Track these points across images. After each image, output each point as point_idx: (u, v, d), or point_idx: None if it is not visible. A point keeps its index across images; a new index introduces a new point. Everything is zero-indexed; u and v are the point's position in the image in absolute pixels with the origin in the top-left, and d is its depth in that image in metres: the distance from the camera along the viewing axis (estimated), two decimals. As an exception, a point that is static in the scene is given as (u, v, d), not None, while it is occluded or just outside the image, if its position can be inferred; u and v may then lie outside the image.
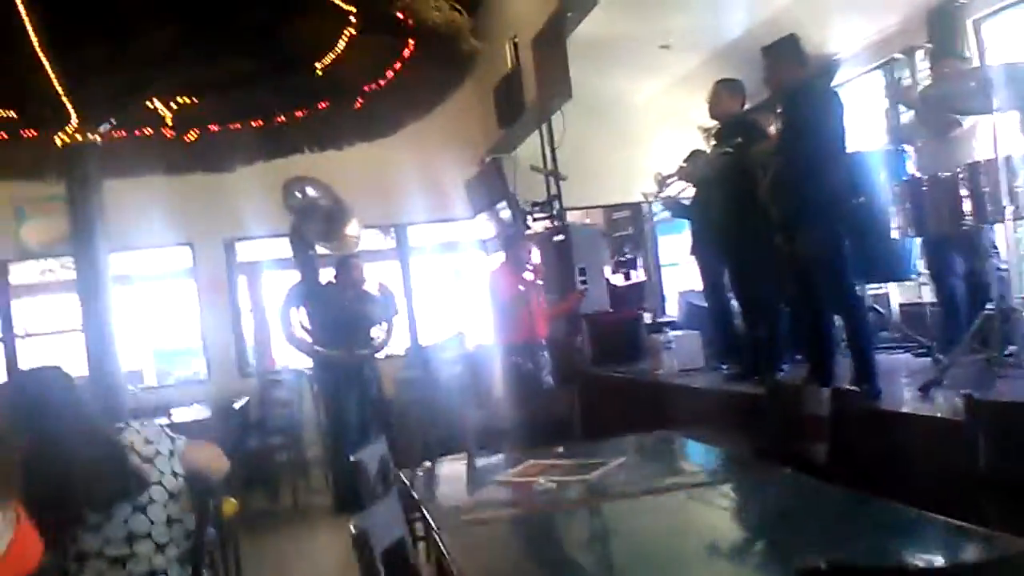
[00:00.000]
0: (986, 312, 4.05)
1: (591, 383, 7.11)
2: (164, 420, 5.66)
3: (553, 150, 7.70)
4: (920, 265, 5.19)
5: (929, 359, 4.85)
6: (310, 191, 6.14)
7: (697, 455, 2.56)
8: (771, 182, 4.13)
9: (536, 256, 7.02)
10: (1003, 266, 4.49)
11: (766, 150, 4.30)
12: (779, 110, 4.27)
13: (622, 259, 10.84)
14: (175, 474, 2.26)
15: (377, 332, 6.35)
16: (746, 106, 5.31)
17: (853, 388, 3.84)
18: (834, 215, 3.87)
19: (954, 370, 3.85)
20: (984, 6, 5.43)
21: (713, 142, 5.40)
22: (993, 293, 4.15)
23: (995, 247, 4.40)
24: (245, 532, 4.96)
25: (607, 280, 8.85)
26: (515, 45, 7.16)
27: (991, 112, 3.83)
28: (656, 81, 8.44)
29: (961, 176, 3.84)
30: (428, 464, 3.27)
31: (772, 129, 5.48)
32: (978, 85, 3.79)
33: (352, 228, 6.63)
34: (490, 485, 2.41)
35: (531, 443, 5.55)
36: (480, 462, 2.99)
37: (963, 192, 3.84)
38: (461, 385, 6.86)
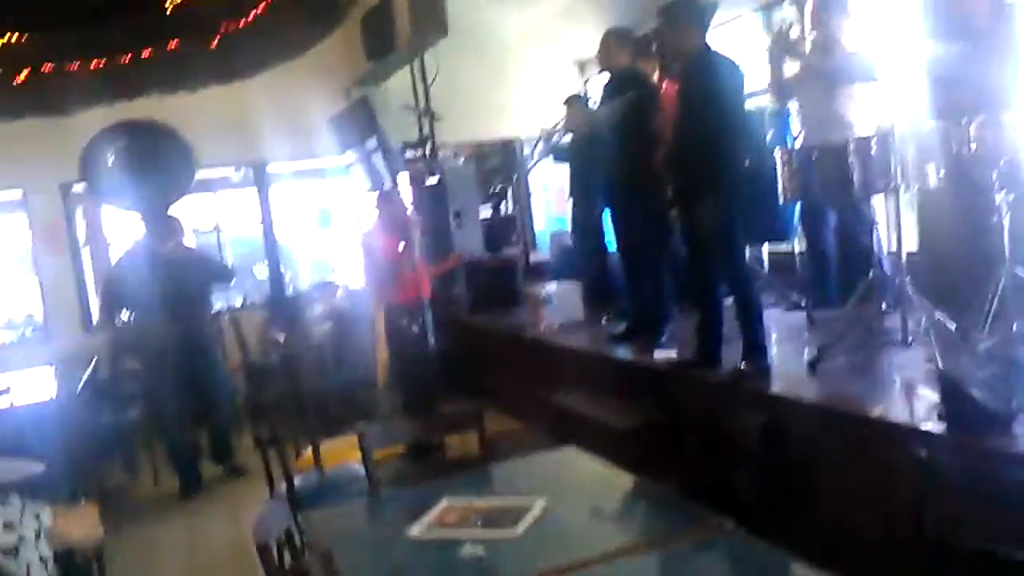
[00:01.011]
0: (870, 276, 4.10)
1: (470, 334, 6.97)
2: (4, 403, 5.07)
3: (427, 87, 7.31)
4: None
5: (800, 314, 5.01)
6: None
7: (619, 493, 2.37)
8: (668, 153, 4.00)
9: (409, 205, 6.69)
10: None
11: (663, 118, 4.16)
12: (678, 78, 4.11)
13: (493, 192, 10.68)
14: (43, 560, 1.86)
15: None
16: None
17: (742, 366, 3.84)
18: (731, 191, 3.78)
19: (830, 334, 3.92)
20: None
21: (601, 92, 5.21)
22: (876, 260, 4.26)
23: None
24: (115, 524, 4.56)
25: (480, 219, 8.65)
26: (385, -27, 6.63)
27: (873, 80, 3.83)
28: (532, 14, 8.09)
29: (852, 148, 3.82)
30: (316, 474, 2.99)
31: (657, 79, 5.41)
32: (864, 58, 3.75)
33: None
34: (405, 545, 2.09)
35: (413, 412, 5.45)
36: (384, 497, 2.71)
37: (851, 163, 3.83)
38: (333, 345, 6.50)
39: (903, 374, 3.52)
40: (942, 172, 3.71)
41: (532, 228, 10.51)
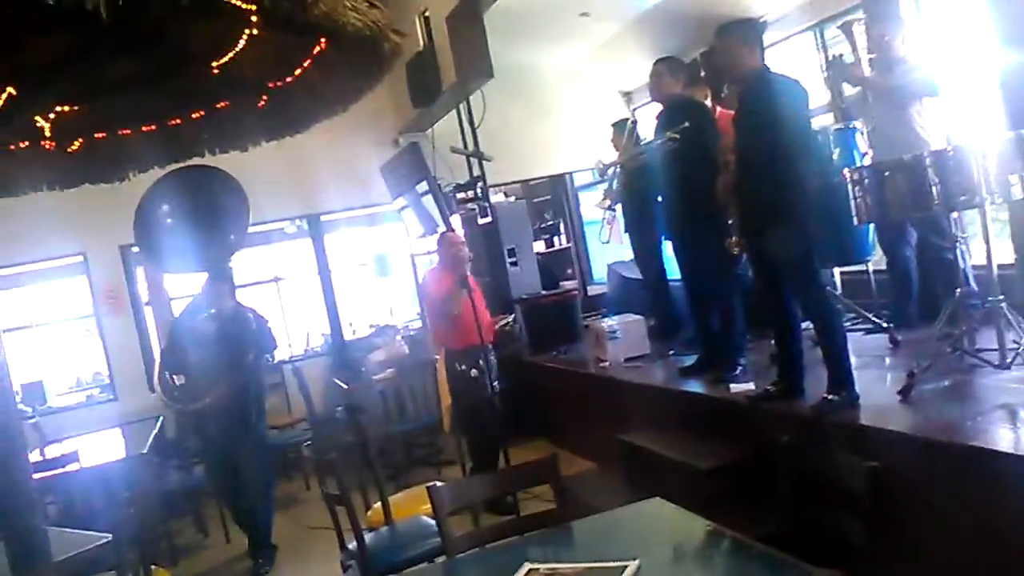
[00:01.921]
0: (957, 294, 3.87)
1: (533, 373, 6.84)
2: (74, 467, 5.07)
3: (474, 129, 7.27)
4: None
5: (881, 335, 4.77)
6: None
7: (716, 550, 2.19)
8: (735, 179, 3.84)
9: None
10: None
11: (723, 145, 4.02)
12: (736, 102, 3.96)
13: (544, 225, 10.62)
14: None
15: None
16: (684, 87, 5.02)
17: (829, 396, 3.63)
18: (805, 214, 3.61)
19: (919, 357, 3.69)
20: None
21: (656, 123, 5.10)
22: (962, 277, 4.03)
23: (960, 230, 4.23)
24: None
25: (536, 254, 8.57)
26: (426, 20, 6.63)
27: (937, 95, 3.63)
28: (575, 49, 8.06)
29: (928, 162, 3.62)
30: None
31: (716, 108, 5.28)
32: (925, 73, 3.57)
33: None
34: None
35: (480, 458, 5.32)
36: (460, 560, 2.57)
37: (929, 177, 3.64)
38: (395, 391, 6.41)
39: (1005, 399, 3.28)
40: (1028, 182, 3.51)
41: (589, 260, 10.39)
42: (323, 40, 3.81)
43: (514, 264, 7.94)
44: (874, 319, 4.88)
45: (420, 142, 7.35)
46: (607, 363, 5.90)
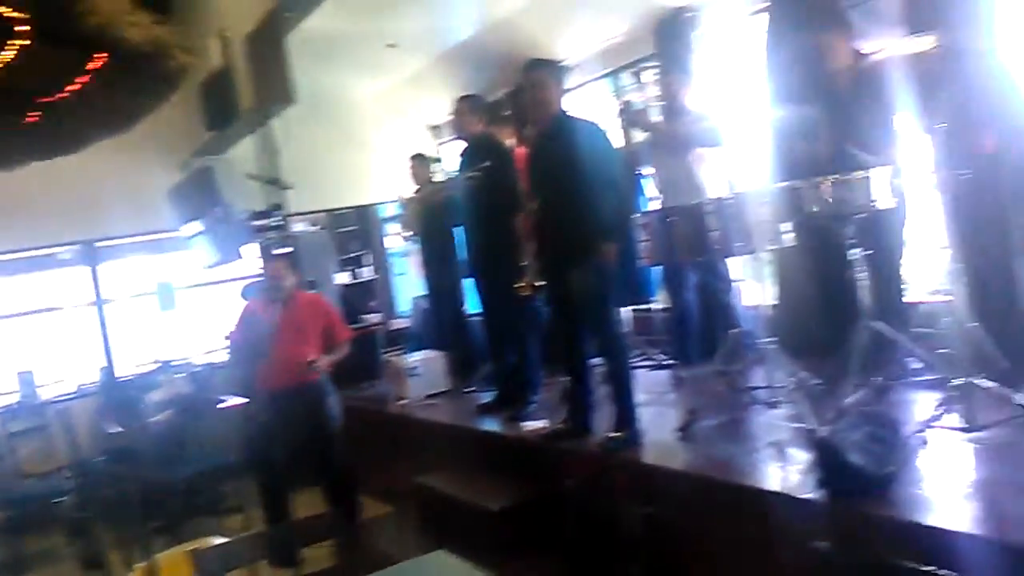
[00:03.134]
0: (733, 333, 4.08)
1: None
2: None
3: (274, 156, 6.96)
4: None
5: (665, 373, 4.98)
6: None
7: None
8: (536, 219, 3.85)
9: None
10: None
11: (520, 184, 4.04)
12: (538, 140, 4.00)
13: (348, 256, 10.36)
14: None
15: None
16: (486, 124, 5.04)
17: (613, 435, 3.69)
18: (605, 251, 3.67)
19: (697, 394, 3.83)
20: (710, 21, 5.55)
21: (459, 160, 5.09)
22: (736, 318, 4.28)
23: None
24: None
25: (337, 286, 8.31)
26: (225, 41, 6.29)
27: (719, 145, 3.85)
28: (383, 80, 7.96)
29: (709, 209, 3.80)
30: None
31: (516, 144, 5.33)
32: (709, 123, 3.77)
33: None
34: None
35: (267, 506, 4.95)
36: None
37: (710, 224, 3.82)
38: (175, 433, 5.88)
39: (775, 435, 3.46)
40: (796, 231, 3.76)
41: (393, 294, 10.22)
42: (100, 55, 3.51)
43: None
44: (660, 357, 5.07)
45: (215, 166, 6.94)
46: (407, 401, 5.76)
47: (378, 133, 8.49)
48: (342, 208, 9.58)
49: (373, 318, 9.20)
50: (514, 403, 4.78)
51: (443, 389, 5.88)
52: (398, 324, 9.35)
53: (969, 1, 3.73)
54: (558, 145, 3.77)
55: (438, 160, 6.60)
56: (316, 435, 4.75)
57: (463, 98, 4.95)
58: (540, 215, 3.84)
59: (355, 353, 7.12)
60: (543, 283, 3.91)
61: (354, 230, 10.38)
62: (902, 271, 4.04)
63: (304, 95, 6.54)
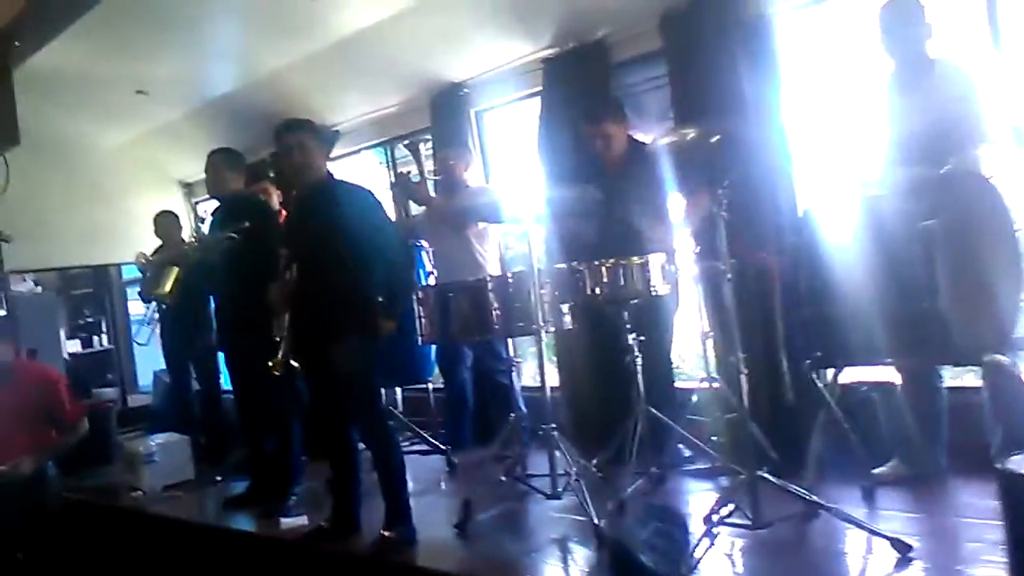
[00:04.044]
0: (511, 418, 3.89)
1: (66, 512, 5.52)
2: None
3: (-11, 203, 6.03)
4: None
5: (438, 457, 4.70)
6: None
7: None
8: (294, 288, 3.46)
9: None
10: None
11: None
12: (300, 204, 3.65)
13: (81, 323, 9.24)
14: None
15: None
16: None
17: (387, 534, 3.34)
18: (371, 328, 3.36)
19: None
20: (486, 99, 5.52)
21: (211, 219, 4.59)
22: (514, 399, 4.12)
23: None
24: None
25: (66, 355, 7.26)
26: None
27: (500, 221, 3.73)
28: (130, 130, 7.20)
29: (489, 287, 3.63)
30: None
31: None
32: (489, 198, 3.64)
33: None
34: None
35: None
36: None
37: (489, 302, 3.64)
38: None
39: (557, 530, 3.27)
40: (574, 313, 3.69)
41: (134, 365, 9.16)
42: None
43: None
44: (432, 440, 4.79)
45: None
46: (141, 492, 5.01)
47: (124, 188, 7.66)
48: (74, 267, 8.53)
49: (108, 392, 8.18)
50: (270, 495, 4.27)
51: (186, 478, 5.18)
52: (139, 400, 8.37)
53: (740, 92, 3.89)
54: (320, 209, 3.45)
55: (197, 219, 5.98)
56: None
57: (216, 152, 4.49)
58: (297, 285, 3.47)
59: (90, 433, 6.23)
60: (298, 360, 3.49)
61: (89, 293, 9.32)
62: (673, 357, 4.09)
63: (38, 137, 5.75)
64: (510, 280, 3.63)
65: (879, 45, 3.27)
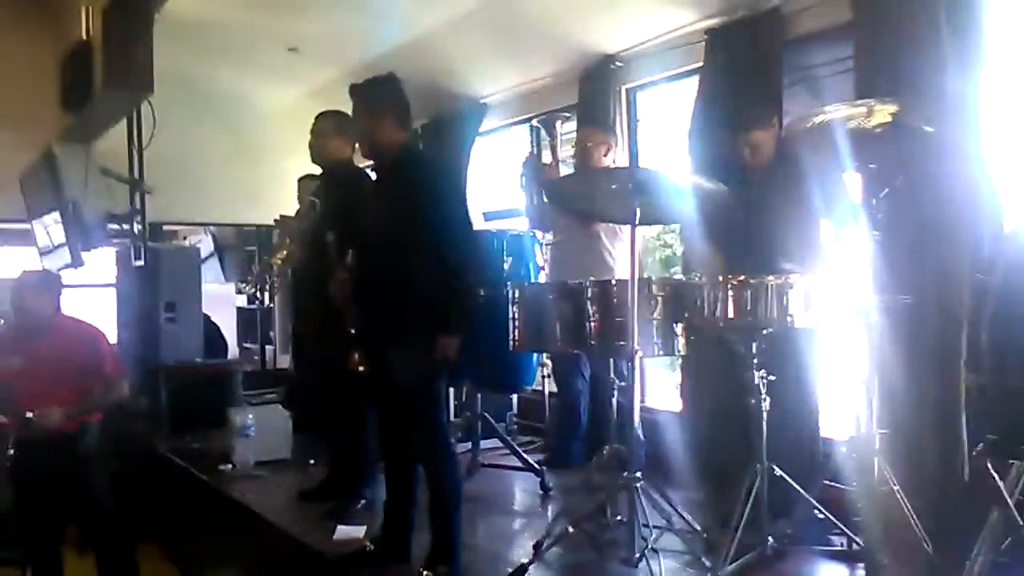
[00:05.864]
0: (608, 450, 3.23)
1: (160, 461, 5.45)
2: None
3: (140, 151, 6.05)
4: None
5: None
6: None
7: None
8: (357, 276, 2.99)
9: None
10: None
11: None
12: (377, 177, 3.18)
13: (248, 278, 9.42)
14: None
15: None
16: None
17: (426, 573, 2.81)
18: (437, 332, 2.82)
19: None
20: (640, 74, 4.84)
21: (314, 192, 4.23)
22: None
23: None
24: None
25: (206, 316, 7.27)
26: (89, 8, 5.35)
27: (630, 223, 3.04)
28: (285, 89, 7.09)
29: (589, 293, 2.99)
30: None
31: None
32: (619, 188, 2.93)
33: None
34: None
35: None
36: None
37: (591, 310, 3.00)
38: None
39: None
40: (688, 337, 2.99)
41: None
42: None
43: (171, 320, 6.59)
44: (524, 456, 4.17)
45: (61, 155, 5.97)
46: (231, 467, 4.77)
47: (277, 146, 7.57)
48: (232, 225, 8.67)
49: (245, 353, 8.27)
50: (344, 492, 3.87)
51: (282, 456, 4.91)
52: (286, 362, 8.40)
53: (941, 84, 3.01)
54: (404, 181, 2.93)
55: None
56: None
57: (323, 115, 4.07)
58: (361, 269, 2.99)
59: (205, 394, 6.18)
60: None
61: (254, 254, 9.49)
62: (816, 404, 3.29)
63: (198, 93, 5.70)
64: (614, 287, 2.98)
65: None
